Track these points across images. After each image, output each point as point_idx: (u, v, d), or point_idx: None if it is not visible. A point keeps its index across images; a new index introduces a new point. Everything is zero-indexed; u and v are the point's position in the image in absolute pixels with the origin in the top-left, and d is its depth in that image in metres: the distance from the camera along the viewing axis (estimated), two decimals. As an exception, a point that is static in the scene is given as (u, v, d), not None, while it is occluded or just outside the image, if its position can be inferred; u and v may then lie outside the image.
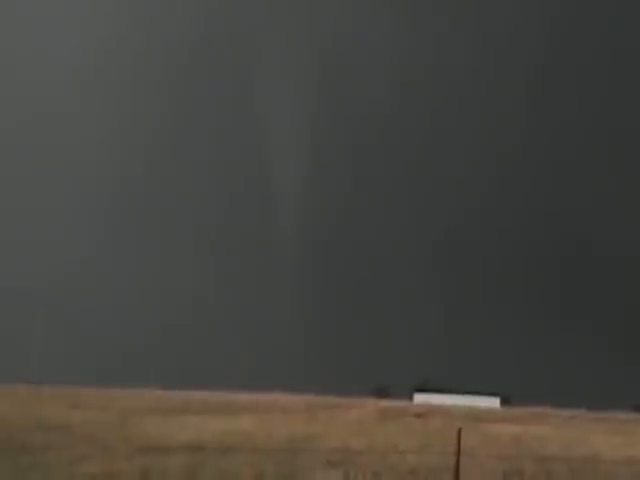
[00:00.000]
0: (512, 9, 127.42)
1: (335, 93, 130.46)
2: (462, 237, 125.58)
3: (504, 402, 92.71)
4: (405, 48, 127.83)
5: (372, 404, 58.30)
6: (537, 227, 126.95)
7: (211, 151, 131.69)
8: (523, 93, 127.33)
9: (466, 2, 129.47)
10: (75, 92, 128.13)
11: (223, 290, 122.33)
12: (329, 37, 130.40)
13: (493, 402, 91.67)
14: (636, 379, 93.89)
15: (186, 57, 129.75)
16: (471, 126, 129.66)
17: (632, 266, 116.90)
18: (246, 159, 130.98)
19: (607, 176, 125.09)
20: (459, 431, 12.76)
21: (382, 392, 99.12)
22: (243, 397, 62.92)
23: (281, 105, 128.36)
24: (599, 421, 50.50)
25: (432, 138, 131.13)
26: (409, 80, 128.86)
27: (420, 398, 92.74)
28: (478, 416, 47.06)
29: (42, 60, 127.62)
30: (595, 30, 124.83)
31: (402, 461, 17.37)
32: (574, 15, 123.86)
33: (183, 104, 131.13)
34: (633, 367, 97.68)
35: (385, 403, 63.85)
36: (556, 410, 69.92)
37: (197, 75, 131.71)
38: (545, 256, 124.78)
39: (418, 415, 43.88)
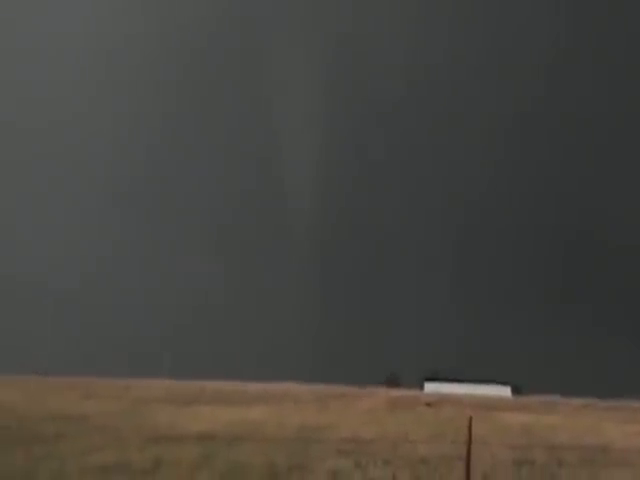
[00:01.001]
0: (521, 2, 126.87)
1: (346, 87, 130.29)
2: (472, 228, 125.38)
3: (515, 391, 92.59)
4: (415, 41, 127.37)
5: (383, 394, 58.36)
6: (548, 216, 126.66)
7: (220, 144, 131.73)
8: (530, 86, 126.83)
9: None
10: (82, 88, 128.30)
11: (234, 282, 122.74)
12: (340, 31, 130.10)
13: (504, 391, 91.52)
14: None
15: (196, 51, 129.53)
16: (478, 118, 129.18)
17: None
18: (256, 153, 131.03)
19: (607, 170, 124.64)
20: (470, 420, 12.75)
21: (393, 382, 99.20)
22: (255, 387, 63.08)
23: (292, 101, 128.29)
24: (611, 410, 50.38)
25: (441, 131, 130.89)
26: (418, 77, 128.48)
27: (431, 387, 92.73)
28: (489, 405, 47.03)
29: (51, 45, 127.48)
30: (604, 24, 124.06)
31: (413, 450, 17.38)
32: (584, 12, 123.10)
33: (192, 96, 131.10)
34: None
35: (396, 392, 63.89)
36: (567, 399, 69.82)
37: (207, 70, 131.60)
38: (555, 246, 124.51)
39: (429, 404, 43.91)
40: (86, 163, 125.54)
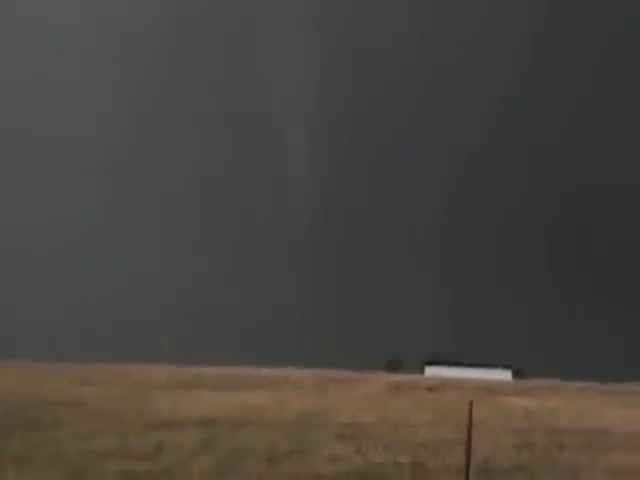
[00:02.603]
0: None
1: (346, 69, 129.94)
2: (472, 210, 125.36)
3: (516, 375, 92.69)
4: (421, 18, 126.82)
5: (383, 378, 58.32)
6: (550, 198, 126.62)
7: (216, 120, 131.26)
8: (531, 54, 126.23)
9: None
10: (75, 59, 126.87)
11: (235, 265, 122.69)
12: (341, 9, 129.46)
13: (505, 375, 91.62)
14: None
15: (192, 24, 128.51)
16: (478, 103, 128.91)
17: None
18: (255, 131, 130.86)
19: (607, 160, 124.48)
20: (471, 404, 12.69)
21: (393, 366, 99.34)
22: (255, 372, 63.12)
23: (289, 79, 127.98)
24: (612, 394, 50.36)
25: (442, 114, 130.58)
26: (422, 59, 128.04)
27: (432, 371, 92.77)
28: (490, 389, 47.03)
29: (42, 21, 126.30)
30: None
31: (414, 434, 17.39)
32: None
33: (190, 60, 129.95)
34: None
35: (396, 377, 63.86)
36: (568, 383, 69.92)
37: (203, 42, 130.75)
38: (557, 229, 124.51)
39: (430, 388, 43.93)
40: (88, 143, 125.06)
